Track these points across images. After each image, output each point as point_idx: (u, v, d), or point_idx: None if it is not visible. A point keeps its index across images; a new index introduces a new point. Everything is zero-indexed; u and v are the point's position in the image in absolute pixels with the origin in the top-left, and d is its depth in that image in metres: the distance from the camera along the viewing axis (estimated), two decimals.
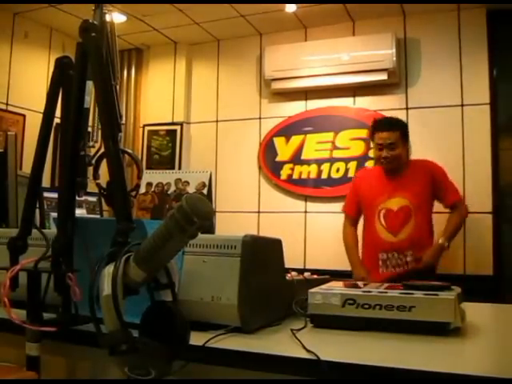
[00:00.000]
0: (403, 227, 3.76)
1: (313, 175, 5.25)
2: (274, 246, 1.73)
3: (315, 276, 2.20)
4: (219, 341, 1.37)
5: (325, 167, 5.20)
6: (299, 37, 5.44)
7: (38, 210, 3.01)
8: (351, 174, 5.09)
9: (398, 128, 3.80)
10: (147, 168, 5.52)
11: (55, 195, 1.52)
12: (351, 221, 4.14)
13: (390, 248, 3.78)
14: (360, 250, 4.08)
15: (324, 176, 5.20)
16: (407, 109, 5.00)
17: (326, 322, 1.57)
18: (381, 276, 3.72)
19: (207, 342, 1.33)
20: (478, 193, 4.53)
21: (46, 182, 4.40)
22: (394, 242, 3.77)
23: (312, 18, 5.17)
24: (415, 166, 3.91)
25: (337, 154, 5.18)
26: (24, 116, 5.07)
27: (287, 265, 1.79)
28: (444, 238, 3.75)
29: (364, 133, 5.07)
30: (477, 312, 1.82)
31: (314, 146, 5.27)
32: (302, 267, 4.95)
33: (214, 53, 5.85)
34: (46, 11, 5.00)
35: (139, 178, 1.72)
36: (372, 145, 3.91)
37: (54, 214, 1.51)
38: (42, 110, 1.57)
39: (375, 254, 3.85)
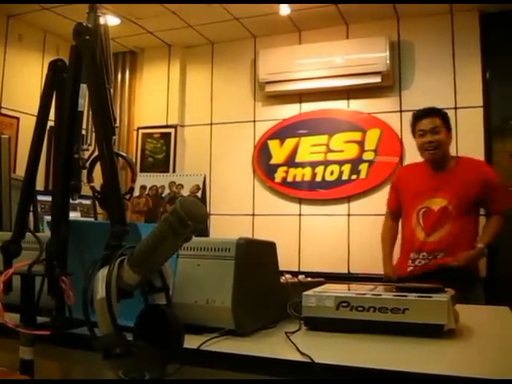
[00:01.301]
0: (438, 229, 3.58)
1: (307, 178, 5.26)
2: (268, 249, 1.73)
3: (309, 279, 2.20)
4: (213, 344, 1.37)
5: (319, 170, 5.21)
6: (293, 40, 5.45)
7: (31, 213, 3.00)
8: (345, 176, 5.10)
9: (439, 114, 3.68)
10: (141, 171, 5.52)
11: (49, 198, 1.51)
12: (393, 215, 3.99)
13: (422, 248, 3.61)
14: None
15: (318, 179, 5.21)
16: (401, 111, 5.01)
17: (320, 324, 1.57)
18: (408, 274, 3.62)
19: (201, 344, 1.33)
20: None
21: (39, 185, 4.39)
22: (426, 242, 3.60)
23: (306, 21, 5.18)
24: (465, 164, 3.70)
25: (331, 156, 5.19)
26: (18, 119, 5.07)
27: (281, 267, 1.78)
28: (483, 242, 3.58)
29: (358, 135, 5.09)
30: (470, 314, 1.83)
31: (309, 148, 5.28)
32: (296, 270, 4.94)
33: (208, 56, 5.86)
34: (40, 14, 4.99)
35: (133, 181, 1.72)
36: (415, 137, 3.75)
37: (48, 218, 1.51)
38: (36, 113, 1.57)
39: (407, 253, 3.71)
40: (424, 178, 3.72)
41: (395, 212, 3.94)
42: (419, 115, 3.70)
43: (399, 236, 3.94)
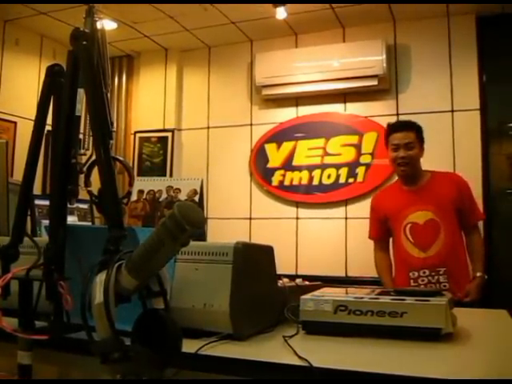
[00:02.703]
0: (433, 242, 3.47)
1: (304, 181, 5.26)
2: (265, 253, 1.73)
3: (307, 282, 2.20)
4: (211, 348, 1.37)
5: (316, 173, 5.21)
6: (290, 43, 5.46)
7: (29, 218, 3.00)
8: (342, 180, 5.10)
9: (414, 128, 3.60)
10: (138, 175, 5.51)
11: (46, 203, 1.51)
12: (379, 245, 3.83)
13: (421, 265, 3.47)
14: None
15: (315, 182, 5.21)
16: (397, 115, 5.02)
17: (318, 328, 1.57)
18: None
19: (199, 349, 1.33)
20: None
21: (37, 189, 4.39)
22: (425, 258, 3.47)
23: (302, 24, 5.19)
24: (438, 177, 3.65)
25: (328, 160, 5.19)
26: (15, 123, 5.06)
27: (279, 271, 1.79)
28: (481, 270, 3.51)
29: (355, 139, 5.10)
30: (468, 317, 1.83)
31: (305, 152, 5.28)
32: (293, 273, 4.94)
33: (204, 59, 5.86)
34: (37, 18, 4.99)
35: (131, 185, 1.72)
36: (388, 149, 3.66)
37: (46, 222, 1.51)
38: (33, 118, 1.57)
39: (405, 273, 3.53)
40: (400, 195, 3.67)
41: (380, 240, 3.82)
42: (394, 128, 3.65)
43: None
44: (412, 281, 3.49)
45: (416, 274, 3.47)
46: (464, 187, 3.60)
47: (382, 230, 3.76)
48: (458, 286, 3.41)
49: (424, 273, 3.46)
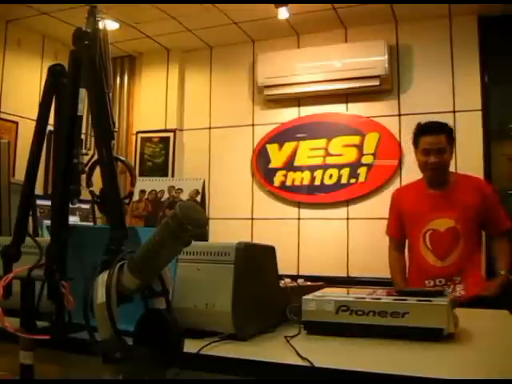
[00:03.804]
0: (451, 251, 3.33)
1: (306, 182, 5.26)
2: (267, 253, 1.73)
3: (309, 283, 2.20)
4: (213, 348, 1.37)
5: (318, 174, 5.21)
6: (292, 44, 5.46)
7: (31, 218, 3.01)
8: (344, 180, 5.10)
9: (445, 131, 3.43)
10: (140, 175, 5.51)
11: (48, 203, 1.51)
12: (396, 244, 3.69)
13: (437, 274, 3.34)
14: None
15: (317, 182, 5.21)
16: (399, 115, 5.02)
17: (319, 328, 1.57)
18: None
19: (201, 349, 1.33)
20: None
21: (39, 189, 4.39)
22: (441, 267, 3.34)
23: (304, 25, 5.18)
24: (463, 182, 3.49)
25: (330, 160, 5.19)
26: (17, 123, 5.07)
27: (281, 271, 1.79)
28: (505, 269, 3.34)
29: (357, 139, 5.10)
30: (470, 318, 1.83)
31: (307, 152, 5.28)
32: (295, 274, 4.95)
33: (206, 60, 5.86)
34: (39, 19, 4.99)
35: (132, 185, 1.72)
36: (416, 150, 3.51)
37: (47, 222, 1.50)
38: (35, 118, 1.57)
39: (421, 281, 3.40)
40: (424, 198, 3.51)
41: (398, 239, 3.68)
42: (424, 130, 3.47)
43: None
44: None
45: (432, 282, 3.35)
46: (489, 195, 3.44)
47: (402, 229, 3.62)
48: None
49: (440, 282, 3.34)
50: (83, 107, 1.52)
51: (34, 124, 1.58)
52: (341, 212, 5.16)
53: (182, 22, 5.17)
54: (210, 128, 5.77)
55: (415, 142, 3.52)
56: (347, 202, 5.14)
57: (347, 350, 1.44)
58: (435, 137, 3.39)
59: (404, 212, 3.58)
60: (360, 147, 5.09)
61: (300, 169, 5.29)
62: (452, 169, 4.53)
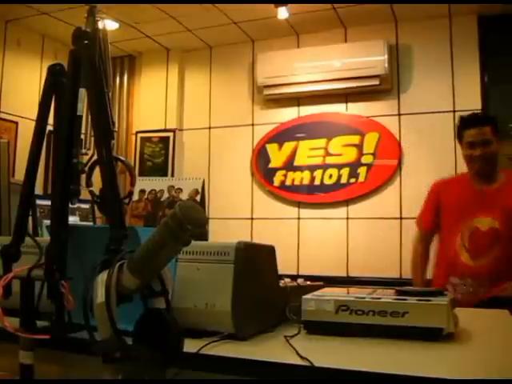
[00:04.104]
0: (488, 252, 3.18)
1: (306, 182, 5.26)
2: (267, 253, 1.73)
3: (308, 282, 2.20)
4: (213, 348, 1.37)
5: (317, 174, 5.21)
6: (291, 43, 5.46)
7: (30, 218, 3.01)
8: (344, 180, 5.10)
9: (489, 122, 3.30)
10: (140, 175, 5.52)
11: (48, 202, 1.51)
12: (425, 236, 3.56)
13: (466, 273, 3.22)
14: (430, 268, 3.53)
15: (317, 182, 5.21)
16: (399, 115, 5.02)
17: (319, 328, 1.57)
18: None
19: (201, 348, 1.33)
20: None
21: (38, 189, 4.39)
22: (473, 266, 3.21)
23: (304, 24, 5.18)
24: (510, 178, 3.32)
25: (329, 160, 5.19)
26: (16, 123, 5.07)
27: (280, 271, 1.79)
28: None
29: (356, 139, 5.10)
30: (470, 317, 1.83)
31: (307, 152, 5.28)
32: (295, 273, 4.95)
33: (206, 59, 5.86)
34: (39, 18, 4.99)
35: (132, 185, 1.72)
36: (461, 145, 3.38)
37: (47, 222, 1.50)
38: (35, 118, 1.57)
39: (445, 277, 3.29)
40: (469, 193, 3.35)
41: (428, 232, 3.54)
42: (467, 123, 3.36)
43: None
44: (450, 286, 3.25)
45: (457, 280, 3.25)
46: None
47: (436, 223, 3.47)
48: None
49: (466, 281, 3.23)
50: (83, 107, 1.52)
51: (33, 124, 1.57)
52: (340, 212, 5.16)
53: (181, 22, 5.17)
54: (209, 128, 5.77)
55: (459, 137, 3.40)
56: (347, 202, 5.14)
57: (347, 349, 1.44)
58: (479, 129, 3.27)
59: (444, 204, 3.42)
60: (360, 147, 5.09)
61: (300, 169, 5.29)
62: (452, 168, 4.55)
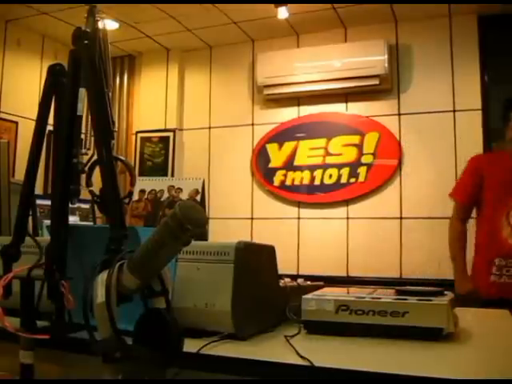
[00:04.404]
0: None
1: (306, 181, 5.26)
2: (267, 253, 1.73)
3: (308, 282, 2.20)
4: (213, 348, 1.37)
5: (317, 173, 5.21)
6: (291, 43, 5.46)
7: (30, 218, 3.00)
8: (344, 180, 5.10)
9: None
10: (140, 175, 5.52)
11: (48, 202, 1.51)
12: (463, 212, 3.35)
13: (510, 253, 3.07)
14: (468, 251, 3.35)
15: (317, 182, 5.21)
16: (399, 115, 5.02)
17: (319, 328, 1.57)
18: (491, 286, 3.10)
19: (201, 348, 1.33)
20: None
21: (38, 189, 4.39)
22: None
23: (304, 24, 5.18)
24: None
25: (329, 160, 5.19)
26: (16, 123, 5.07)
27: (280, 271, 1.79)
28: None
29: (356, 139, 5.10)
30: (470, 317, 1.83)
31: (307, 152, 5.28)
32: (295, 273, 4.95)
33: (206, 59, 5.86)
34: (39, 18, 4.99)
35: (132, 185, 1.72)
36: (508, 126, 3.29)
37: (47, 222, 1.50)
38: (35, 118, 1.57)
39: (490, 258, 3.13)
40: None
41: (467, 207, 3.34)
42: None
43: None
44: (495, 268, 3.12)
45: (504, 262, 3.08)
46: None
47: (474, 198, 3.29)
48: None
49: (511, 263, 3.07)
50: (83, 107, 1.52)
51: (33, 124, 1.57)
52: (340, 212, 5.16)
53: (181, 22, 5.17)
54: (209, 128, 5.77)
55: (506, 117, 3.30)
56: (347, 202, 5.14)
57: (347, 349, 1.44)
58: None
59: (489, 179, 3.25)
60: (360, 147, 5.09)
61: (300, 168, 5.29)
62: (452, 168, 4.55)
